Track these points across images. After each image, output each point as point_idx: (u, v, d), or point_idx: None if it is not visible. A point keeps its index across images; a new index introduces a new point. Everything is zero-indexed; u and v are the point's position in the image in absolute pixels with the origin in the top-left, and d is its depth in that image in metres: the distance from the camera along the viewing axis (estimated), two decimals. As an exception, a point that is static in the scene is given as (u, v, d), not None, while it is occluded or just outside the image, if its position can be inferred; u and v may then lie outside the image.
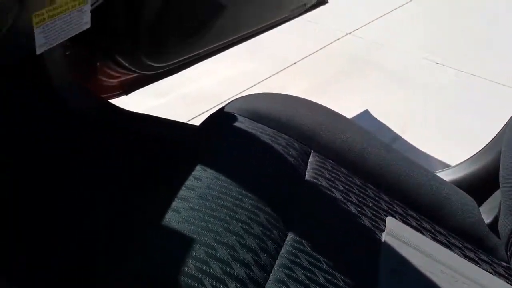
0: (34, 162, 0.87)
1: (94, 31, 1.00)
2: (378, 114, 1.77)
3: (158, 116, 1.01)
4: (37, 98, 0.93)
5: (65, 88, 0.94)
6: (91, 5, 0.73)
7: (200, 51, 1.16)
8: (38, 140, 0.90)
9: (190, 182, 0.62)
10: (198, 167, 0.65)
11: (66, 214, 0.78)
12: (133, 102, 1.28)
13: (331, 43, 2.29)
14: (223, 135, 0.71)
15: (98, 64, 1.07)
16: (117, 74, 1.11)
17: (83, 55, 1.05)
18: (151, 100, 1.68)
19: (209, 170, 0.64)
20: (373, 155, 0.72)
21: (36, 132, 0.91)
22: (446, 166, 1.08)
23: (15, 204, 0.78)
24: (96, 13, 0.78)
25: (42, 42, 0.60)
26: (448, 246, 0.65)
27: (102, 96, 1.09)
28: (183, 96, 1.76)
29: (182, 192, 0.61)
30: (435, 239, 0.65)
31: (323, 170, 0.68)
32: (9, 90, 0.89)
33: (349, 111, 1.74)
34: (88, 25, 0.68)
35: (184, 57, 1.14)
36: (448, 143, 1.65)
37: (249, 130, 0.71)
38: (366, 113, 1.78)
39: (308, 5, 1.39)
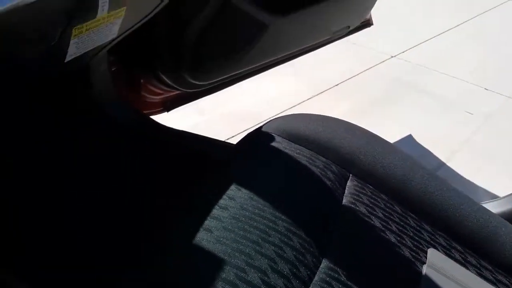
0: (77, 173, 0.89)
1: (139, 48, 1.03)
2: (423, 140, 1.71)
3: (196, 134, 1.02)
4: (82, 111, 0.95)
5: (109, 103, 0.96)
6: (133, 26, 0.75)
7: (241, 71, 1.16)
8: (82, 153, 0.92)
9: (223, 201, 0.61)
10: (233, 186, 0.64)
11: (104, 223, 0.79)
12: (174, 119, 1.29)
13: (375, 65, 2.26)
14: (260, 155, 0.70)
15: (141, 81, 1.09)
16: (159, 91, 1.13)
17: (128, 71, 1.08)
18: (191, 118, 1.70)
19: (243, 189, 0.63)
20: (415, 182, 0.69)
21: (80, 145, 0.93)
22: (494, 197, 1.02)
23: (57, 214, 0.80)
24: (141, 30, 0.80)
25: (73, 52, 0.62)
26: (494, 283, 0.61)
27: (144, 112, 1.11)
28: (223, 114, 1.78)
29: (215, 211, 0.60)
30: (480, 274, 0.61)
31: (361, 195, 0.66)
32: (55, 102, 0.92)
33: (392, 136, 1.70)
34: (115, 36, 0.69)
35: (226, 76, 1.14)
36: (497, 172, 1.57)
37: (286, 150, 0.70)
38: (409, 139, 1.73)
39: (352, 28, 1.37)
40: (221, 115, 1.77)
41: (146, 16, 0.78)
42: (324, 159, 0.70)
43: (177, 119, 1.33)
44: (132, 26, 0.77)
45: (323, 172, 0.67)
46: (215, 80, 1.14)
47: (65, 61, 0.62)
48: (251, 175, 0.66)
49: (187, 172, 0.89)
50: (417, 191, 0.68)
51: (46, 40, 0.56)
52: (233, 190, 0.63)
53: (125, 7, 0.64)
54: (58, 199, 0.83)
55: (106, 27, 0.63)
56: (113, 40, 0.74)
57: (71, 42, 0.59)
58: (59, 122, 0.91)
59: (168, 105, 1.20)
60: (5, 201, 0.81)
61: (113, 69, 1.01)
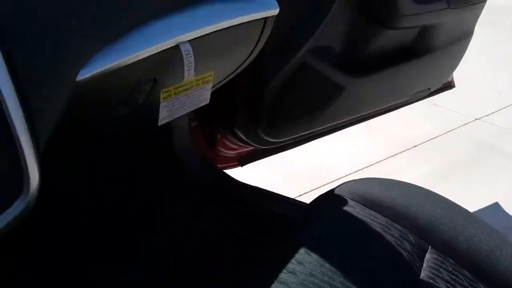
0: (154, 224, 0.92)
1: (218, 104, 1.07)
2: (511, 209, 1.58)
3: (270, 191, 1.01)
4: (162, 165, 0.99)
5: (188, 157, 1.00)
6: (215, 85, 0.78)
7: (316, 129, 1.16)
8: (159, 204, 0.96)
9: (292, 265, 0.59)
10: (302, 250, 0.62)
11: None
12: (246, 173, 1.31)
13: (457, 128, 2.16)
14: (331, 219, 0.68)
15: (218, 136, 1.12)
16: (234, 146, 1.16)
17: (205, 126, 1.12)
18: (263, 171, 1.71)
19: (313, 255, 0.61)
20: (503, 260, 0.63)
21: (157, 198, 0.97)
22: None
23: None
24: (220, 87, 0.83)
25: (165, 115, 0.65)
26: None
27: (218, 166, 1.14)
28: (294, 170, 1.77)
29: (283, 275, 0.58)
30: None
31: (441, 270, 0.61)
32: (138, 158, 0.96)
33: (476, 203, 1.59)
34: (207, 102, 0.72)
35: (300, 135, 1.15)
36: None
37: (359, 216, 0.67)
38: (496, 207, 1.60)
39: (433, 89, 1.33)
40: (291, 171, 1.77)
41: (227, 77, 0.81)
42: (400, 228, 0.66)
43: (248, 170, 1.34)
44: (214, 86, 0.81)
45: (399, 242, 0.63)
46: (289, 138, 1.15)
47: (158, 125, 0.65)
48: (322, 239, 0.64)
49: (257, 229, 0.89)
50: (505, 271, 0.62)
51: (132, 102, 0.60)
52: (303, 254, 0.61)
53: (212, 72, 0.67)
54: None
55: (196, 92, 0.66)
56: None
57: (161, 105, 0.62)
58: (143, 175, 0.96)
59: (242, 160, 1.22)
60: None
61: (193, 125, 1.05)
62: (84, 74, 0.47)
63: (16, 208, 0.38)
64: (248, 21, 0.66)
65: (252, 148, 1.17)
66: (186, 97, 0.66)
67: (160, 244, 0.92)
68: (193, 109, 0.70)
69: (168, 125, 0.91)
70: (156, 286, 0.81)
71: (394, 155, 1.92)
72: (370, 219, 0.66)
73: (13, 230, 0.39)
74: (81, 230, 0.89)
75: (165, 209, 0.96)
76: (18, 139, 0.38)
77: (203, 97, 0.70)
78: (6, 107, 0.37)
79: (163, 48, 0.56)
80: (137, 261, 0.87)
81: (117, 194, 0.94)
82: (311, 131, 1.16)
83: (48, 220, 0.82)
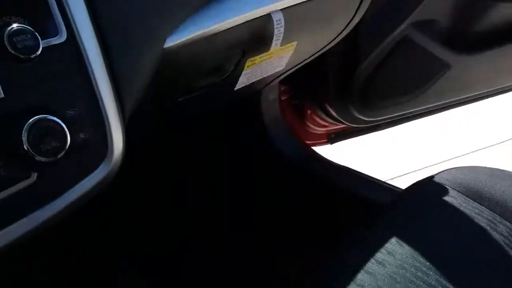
0: (238, 195, 0.92)
1: (310, 78, 1.03)
2: None
3: (361, 172, 0.96)
4: (250, 136, 0.98)
5: (277, 133, 0.97)
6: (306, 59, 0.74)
7: (415, 110, 1.08)
8: (245, 176, 0.95)
9: (381, 255, 0.55)
10: (394, 240, 0.57)
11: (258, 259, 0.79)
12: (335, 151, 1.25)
13: None
14: (429, 209, 0.62)
15: (308, 111, 1.08)
16: (324, 123, 1.11)
17: (296, 101, 1.09)
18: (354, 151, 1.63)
19: (406, 246, 0.55)
20: None
21: (244, 169, 0.96)
22: None
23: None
24: (313, 61, 0.79)
25: (243, 81, 0.62)
26: None
27: (307, 142, 1.10)
28: (390, 150, 1.66)
29: (371, 264, 0.54)
30: None
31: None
32: (227, 127, 0.96)
33: None
34: (282, 68, 0.68)
35: (397, 114, 1.07)
36: None
37: (462, 208, 0.60)
38: None
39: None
40: (386, 150, 1.67)
41: (321, 50, 0.76)
42: (510, 225, 0.58)
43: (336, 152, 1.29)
44: (306, 59, 0.77)
45: (507, 241, 0.56)
46: (384, 117, 1.08)
47: (235, 89, 0.63)
48: (416, 230, 0.58)
49: (345, 212, 0.84)
50: None
51: (220, 72, 0.58)
52: (394, 244, 0.56)
53: (295, 42, 0.63)
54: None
55: (276, 59, 0.63)
56: (286, 71, 0.74)
57: (243, 73, 0.60)
58: (228, 149, 0.95)
59: (332, 138, 1.17)
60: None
61: (282, 98, 1.02)
62: (173, 41, 0.46)
63: (100, 172, 0.38)
64: (347, -12, 0.61)
65: (343, 126, 1.11)
66: (265, 64, 0.63)
67: (243, 216, 0.92)
68: (266, 75, 0.68)
69: (257, 96, 0.89)
70: (240, 261, 0.80)
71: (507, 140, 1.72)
72: (475, 213, 0.59)
73: (97, 195, 0.39)
74: (168, 200, 0.91)
75: (250, 180, 0.95)
76: (103, 103, 0.37)
77: (281, 63, 0.66)
78: (92, 71, 0.36)
79: (254, 17, 0.53)
80: (222, 232, 0.88)
81: (202, 163, 0.95)
82: (408, 111, 1.08)
83: (132, 192, 0.85)
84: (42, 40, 0.33)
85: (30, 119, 0.31)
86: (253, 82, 0.66)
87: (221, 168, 0.97)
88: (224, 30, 0.51)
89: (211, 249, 0.91)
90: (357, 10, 0.70)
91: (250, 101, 0.91)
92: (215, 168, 0.97)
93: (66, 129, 0.33)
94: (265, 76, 0.67)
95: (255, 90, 0.81)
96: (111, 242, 0.85)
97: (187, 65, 0.51)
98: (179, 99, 0.59)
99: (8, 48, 0.31)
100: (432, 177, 0.69)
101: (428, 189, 0.66)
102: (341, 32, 0.73)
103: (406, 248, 0.55)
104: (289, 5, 0.56)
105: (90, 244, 0.83)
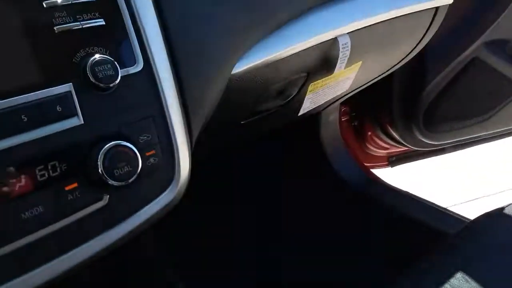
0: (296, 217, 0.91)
1: (372, 99, 1.01)
2: None
3: (422, 198, 0.92)
4: (307, 155, 0.97)
5: (334, 151, 0.96)
6: (371, 80, 0.73)
7: (484, 133, 1.03)
8: (300, 196, 0.94)
9: (445, 290, 0.52)
10: (459, 275, 0.54)
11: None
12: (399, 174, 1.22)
13: None
14: (499, 244, 0.58)
15: (369, 133, 1.06)
16: (385, 145, 1.08)
17: (357, 122, 1.07)
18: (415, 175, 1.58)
19: (472, 283, 0.52)
20: None
21: (300, 189, 0.95)
22: None
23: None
24: (375, 82, 0.77)
25: (307, 106, 0.62)
26: None
27: (366, 164, 1.08)
28: (456, 173, 1.59)
29: (434, 300, 0.51)
30: None
31: None
32: (284, 145, 0.96)
33: None
34: (346, 90, 0.67)
35: (464, 138, 1.03)
36: None
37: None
38: None
39: None
40: (453, 174, 1.60)
41: (387, 71, 0.75)
42: None
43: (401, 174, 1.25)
44: (371, 80, 0.75)
45: None
46: (450, 141, 1.03)
47: (298, 115, 0.63)
48: (484, 267, 0.55)
49: (407, 240, 0.81)
50: None
51: (284, 96, 0.58)
52: (459, 280, 0.53)
53: (360, 62, 0.62)
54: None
55: (340, 81, 0.63)
56: (349, 92, 0.73)
57: (306, 97, 0.60)
58: (284, 168, 0.95)
59: (393, 161, 1.14)
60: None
61: (343, 119, 1.01)
62: (240, 67, 0.47)
63: (167, 195, 0.39)
64: (418, 11, 0.59)
65: (405, 148, 1.08)
66: (329, 87, 0.62)
67: (296, 237, 0.91)
68: (331, 98, 0.67)
69: (317, 117, 0.89)
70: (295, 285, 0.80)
71: None
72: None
73: (162, 217, 0.40)
74: (222, 217, 0.92)
75: (305, 200, 0.94)
76: (173, 130, 0.38)
77: (345, 85, 0.65)
78: (165, 99, 0.38)
79: (320, 41, 0.53)
80: (275, 253, 0.87)
81: (257, 181, 0.95)
82: (476, 135, 1.03)
83: (187, 208, 0.86)
84: (120, 69, 0.34)
85: (106, 145, 0.33)
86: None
87: (276, 187, 0.97)
88: (289, 56, 0.51)
89: (262, 269, 0.91)
90: (426, 32, 0.68)
91: (309, 121, 0.90)
92: (269, 187, 0.97)
93: (138, 155, 0.34)
94: (328, 99, 0.67)
95: (315, 110, 0.80)
96: (164, 254, 0.86)
97: (251, 90, 0.51)
98: (242, 122, 0.59)
99: (90, 77, 0.33)
100: (502, 208, 0.65)
101: (499, 222, 0.62)
102: (408, 54, 0.72)
103: (472, 285, 0.52)
104: (355, 28, 0.56)
105: (144, 256, 0.85)
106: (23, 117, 0.30)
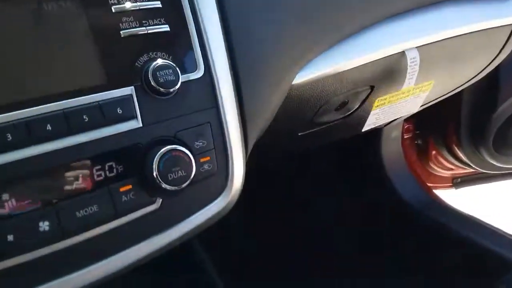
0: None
1: (437, 118, 0.96)
2: None
3: (491, 225, 0.86)
4: (366, 173, 0.94)
5: (395, 170, 0.93)
6: (438, 97, 0.69)
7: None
8: (357, 214, 0.91)
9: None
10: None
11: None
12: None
13: None
14: None
15: (433, 152, 1.02)
16: (450, 166, 1.03)
17: (420, 140, 1.03)
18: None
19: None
20: None
21: (357, 206, 0.92)
22: None
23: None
24: (442, 100, 0.74)
25: (371, 122, 0.60)
26: None
27: (429, 185, 1.03)
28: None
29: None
30: None
31: None
32: (342, 160, 0.93)
33: None
34: (416, 110, 0.64)
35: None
36: None
37: None
38: None
39: None
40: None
41: (457, 88, 0.71)
42: None
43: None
44: (440, 97, 0.72)
45: None
46: (523, 165, 0.97)
47: (361, 131, 0.61)
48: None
49: (472, 271, 0.76)
50: None
51: (345, 109, 0.57)
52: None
53: (432, 81, 0.59)
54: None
55: (410, 100, 0.60)
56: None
57: (372, 112, 0.58)
58: (341, 185, 0.93)
59: (458, 182, 1.08)
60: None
61: (405, 137, 0.97)
62: (301, 77, 0.46)
63: (219, 202, 0.38)
64: (494, 27, 0.56)
65: (472, 170, 1.02)
66: (397, 105, 0.59)
67: (353, 257, 0.88)
68: (400, 116, 0.64)
69: (378, 133, 0.86)
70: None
71: None
72: None
73: (213, 224, 0.39)
74: (274, 230, 0.91)
75: (363, 219, 0.91)
76: (229, 137, 0.38)
77: (414, 105, 0.62)
78: (223, 106, 0.38)
79: (387, 55, 0.51)
80: (330, 272, 0.85)
81: (316, 199, 0.93)
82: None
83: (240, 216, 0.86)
84: (181, 75, 0.34)
85: (161, 149, 0.33)
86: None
87: (330, 202, 0.94)
88: (353, 68, 0.49)
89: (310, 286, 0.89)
90: (501, 50, 0.64)
91: (369, 137, 0.87)
92: (324, 202, 0.94)
93: (193, 160, 0.34)
94: (396, 117, 0.64)
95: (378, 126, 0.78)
96: (213, 261, 0.86)
97: (312, 101, 0.50)
98: (300, 134, 0.58)
99: (151, 81, 0.33)
100: None
101: None
102: (481, 71, 0.68)
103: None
104: (425, 43, 0.53)
105: (194, 262, 0.86)
106: (84, 117, 0.31)
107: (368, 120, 0.59)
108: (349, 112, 0.58)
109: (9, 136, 0.29)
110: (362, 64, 0.50)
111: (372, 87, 0.55)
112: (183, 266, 0.82)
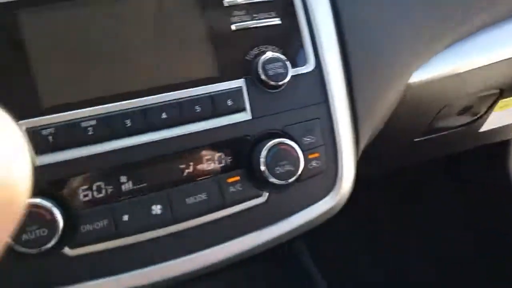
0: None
1: None
2: None
3: None
4: (491, 192, 0.85)
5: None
6: None
7: None
8: (483, 225, 0.83)
9: None
10: None
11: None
12: None
13: None
14: None
15: None
16: None
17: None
18: None
19: None
20: None
21: (483, 218, 0.84)
22: None
23: None
24: None
25: (491, 124, 0.54)
26: None
27: None
28: None
29: None
30: None
31: None
32: (465, 169, 0.85)
33: None
34: None
35: None
36: None
37: None
38: None
39: None
40: None
41: None
42: None
43: None
44: None
45: None
46: None
47: (480, 131, 0.55)
48: None
49: None
50: None
51: (468, 113, 0.52)
52: None
53: None
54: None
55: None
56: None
57: (492, 113, 0.52)
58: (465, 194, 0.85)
59: None
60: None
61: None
62: (419, 76, 0.43)
63: (327, 202, 0.37)
64: None
65: None
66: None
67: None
68: None
69: (504, 145, 0.77)
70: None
71: None
72: None
73: (324, 223, 0.38)
74: (391, 236, 0.85)
75: (489, 242, 0.82)
76: (339, 134, 0.36)
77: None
78: (334, 102, 0.36)
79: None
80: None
81: (436, 203, 0.86)
82: None
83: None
84: (291, 68, 0.34)
85: (270, 142, 0.33)
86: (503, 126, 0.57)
87: (450, 217, 0.86)
88: (480, 67, 0.45)
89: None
90: None
91: (495, 148, 0.79)
92: (444, 216, 0.87)
93: (301, 156, 0.33)
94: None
95: (504, 136, 0.70)
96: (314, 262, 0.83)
97: (431, 103, 0.47)
98: (415, 140, 0.54)
99: (261, 74, 0.33)
100: None
101: None
102: None
103: None
104: None
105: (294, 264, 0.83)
106: (197, 108, 0.32)
107: (487, 122, 0.54)
108: (474, 118, 0.53)
109: (128, 122, 0.30)
110: (490, 64, 0.45)
111: (501, 91, 0.50)
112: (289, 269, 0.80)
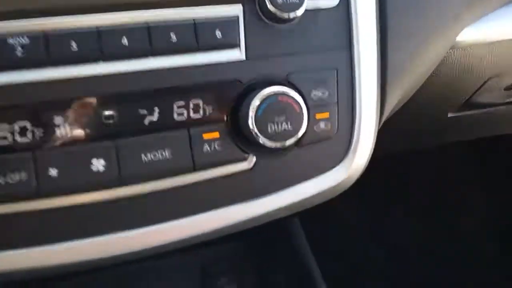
0: None
1: None
2: None
3: None
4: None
5: None
6: None
7: None
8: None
9: None
10: None
11: None
12: None
13: None
14: None
15: None
16: None
17: None
18: None
19: None
20: None
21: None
22: None
23: None
24: None
25: None
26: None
27: None
28: None
29: None
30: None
31: None
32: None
33: None
34: None
35: None
36: None
37: None
38: None
39: None
40: None
41: None
42: None
43: None
44: None
45: None
46: None
47: None
48: None
49: None
50: None
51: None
52: None
53: None
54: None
55: None
56: None
57: None
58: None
59: None
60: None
61: None
62: (467, 37, 0.35)
63: (335, 175, 0.29)
64: None
65: None
66: None
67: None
68: None
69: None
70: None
71: None
72: None
73: (327, 200, 0.30)
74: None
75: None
76: (360, 92, 0.28)
77: None
78: (359, 49, 0.28)
79: None
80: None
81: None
82: None
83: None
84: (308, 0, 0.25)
85: (266, 90, 0.24)
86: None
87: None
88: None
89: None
90: None
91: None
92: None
93: (305, 112, 0.25)
94: None
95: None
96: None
97: (477, 71, 0.38)
98: (450, 115, 0.46)
99: (267, 2, 0.25)
100: None
101: None
102: None
103: None
104: None
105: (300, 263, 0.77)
106: (172, 36, 0.24)
107: None
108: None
109: (73, 45, 0.22)
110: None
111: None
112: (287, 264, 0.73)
